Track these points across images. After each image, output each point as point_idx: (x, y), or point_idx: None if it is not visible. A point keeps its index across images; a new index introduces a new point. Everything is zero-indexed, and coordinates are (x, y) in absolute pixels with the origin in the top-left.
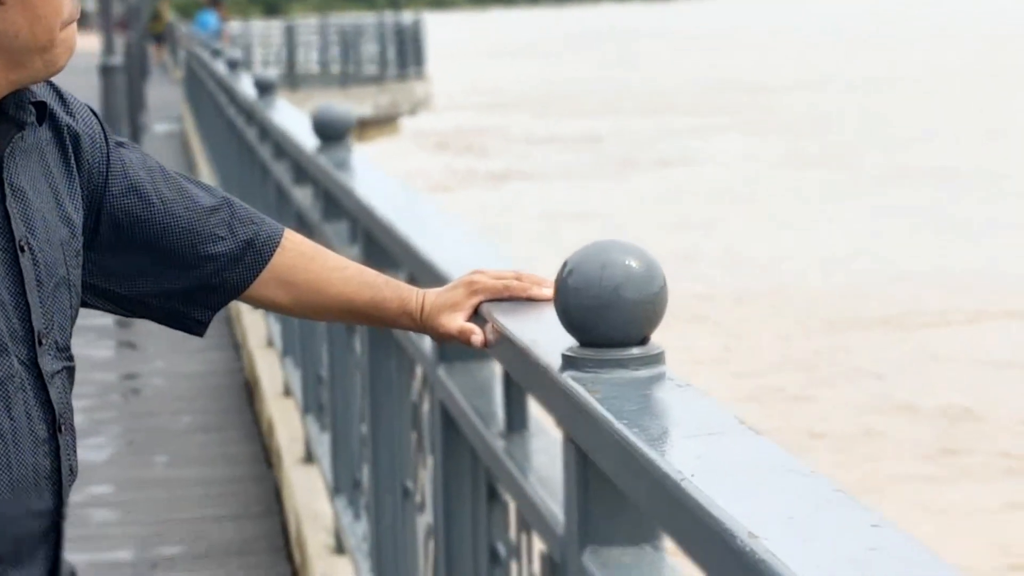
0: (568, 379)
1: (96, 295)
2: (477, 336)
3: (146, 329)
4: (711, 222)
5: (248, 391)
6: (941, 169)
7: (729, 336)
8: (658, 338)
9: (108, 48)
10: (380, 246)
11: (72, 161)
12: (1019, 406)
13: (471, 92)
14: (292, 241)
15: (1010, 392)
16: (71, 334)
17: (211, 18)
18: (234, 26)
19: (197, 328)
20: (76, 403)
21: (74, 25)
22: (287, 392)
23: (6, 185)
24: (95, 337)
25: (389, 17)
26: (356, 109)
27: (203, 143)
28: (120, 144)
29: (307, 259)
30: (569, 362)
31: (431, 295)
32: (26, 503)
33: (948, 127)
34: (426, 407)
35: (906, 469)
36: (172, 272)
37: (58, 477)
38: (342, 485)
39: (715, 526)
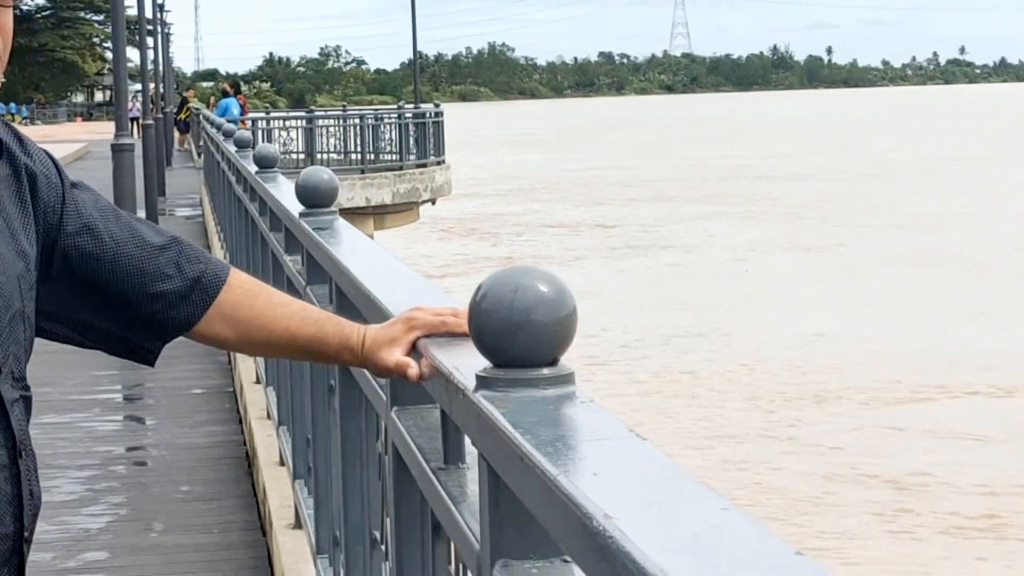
0: (480, 398)
1: (51, 322)
2: (413, 369)
3: (153, 404)
4: (699, 302)
5: (248, 462)
6: (926, 253)
7: (702, 407)
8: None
9: (120, 128)
10: (350, 302)
11: (28, 198)
12: (971, 473)
13: (490, 180)
14: (238, 279)
15: (964, 461)
16: (26, 365)
17: (232, 104)
18: (255, 114)
19: (148, 357)
20: (79, 474)
21: None
22: (282, 461)
23: None
24: (102, 411)
25: (410, 107)
26: (375, 196)
27: (217, 223)
28: (75, 185)
29: (252, 296)
30: (482, 382)
31: (371, 331)
32: None
33: (940, 211)
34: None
35: (849, 526)
36: (122, 307)
37: (19, 502)
38: (323, 545)
39: (578, 511)
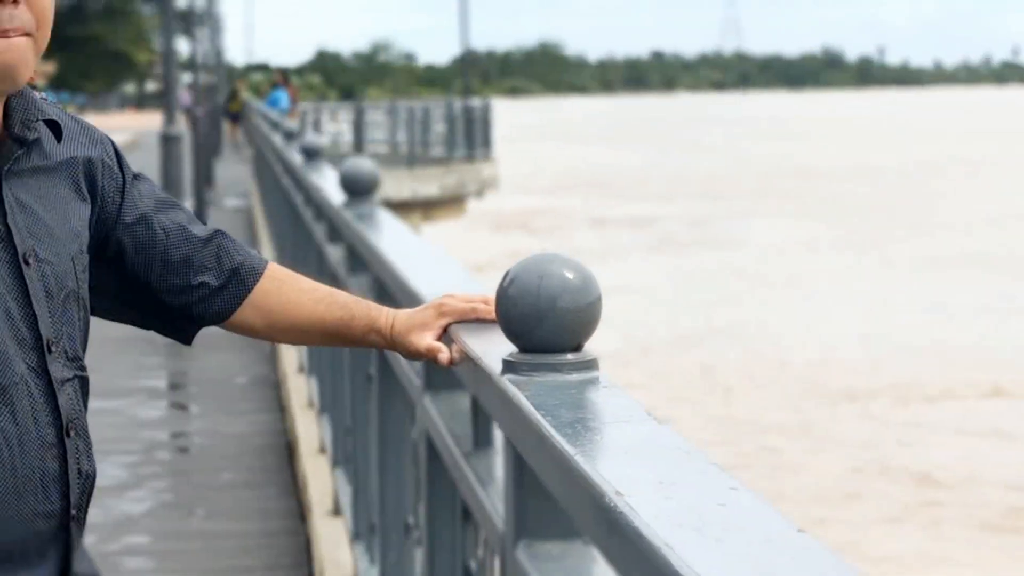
0: (505, 381)
1: (99, 299)
2: (444, 354)
3: (197, 392)
4: (741, 298)
5: (289, 450)
6: (973, 254)
7: (735, 402)
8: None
9: (169, 119)
10: (389, 292)
11: (84, 184)
12: (998, 472)
13: (538, 175)
14: (271, 271)
15: (991, 459)
16: (82, 345)
17: (282, 96)
18: (304, 105)
19: (185, 339)
20: (122, 459)
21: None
22: (322, 449)
23: (6, 202)
24: (146, 398)
25: (458, 101)
26: (423, 189)
27: (264, 215)
28: (136, 176)
29: (279, 283)
30: (508, 366)
31: (401, 315)
32: (32, 505)
33: (990, 214)
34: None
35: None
36: (166, 295)
37: (66, 480)
38: (360, 531)
39: (591, 489)
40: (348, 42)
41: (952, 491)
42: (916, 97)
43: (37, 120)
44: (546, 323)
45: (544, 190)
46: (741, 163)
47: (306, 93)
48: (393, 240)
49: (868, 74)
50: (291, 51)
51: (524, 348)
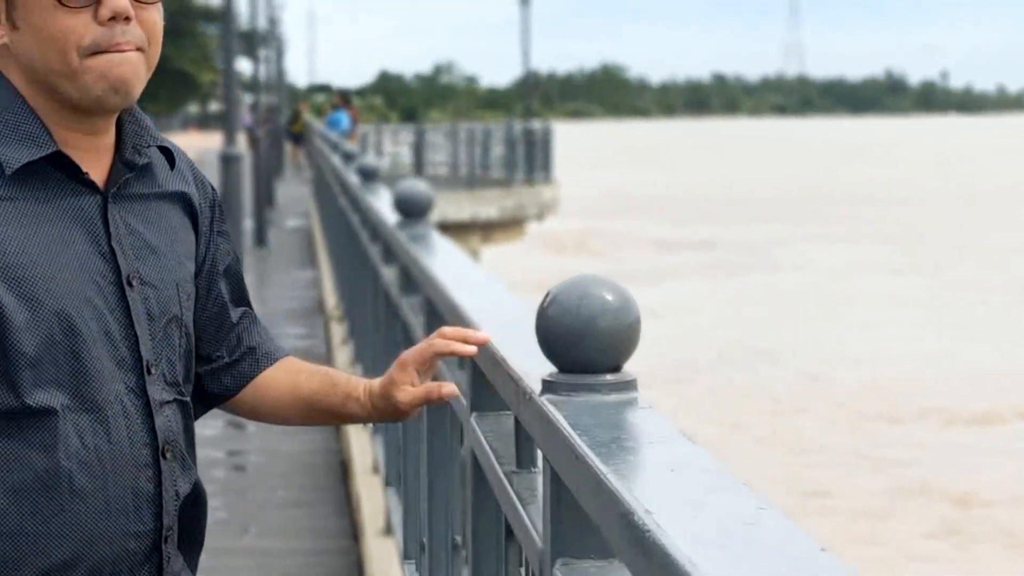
0: (544, 401)
1: None
2: (434, 392)
3: None
4: (792, 320)
5: (343, 470)
6: (1020, 280)
7: (775, 421)
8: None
9: (229, 139)
10: (438, 312)
11: (190, 221)
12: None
13: (597, 197)
14: (288, 361)
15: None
16: (184, 371)
17: (343, 117)
18: (365, 127)
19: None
20: None
21: (110, 56)
22: (376, 469)
23: (111, 223)
24: (204, 417)
25: (518, 124)
26: (483, 211)
27: (323, 236)
28: (220, 232)
29: (294, 374)
30: (547, 386)
31: (374, 382)
32: (123, 524)
33: None
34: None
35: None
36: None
37: (159, 501)
38: (411, 551)
39: (621, 506)
40: (410, 64)
41: (989, 510)
42: (979, 122)
43: (149, 146)
44: (585, 343)
45: (602, 212)
46: (800, 187)
47: (368, 115)
48: (444, 261)
49: (931, 99)
50: (354, 72)
51: (563, 368)
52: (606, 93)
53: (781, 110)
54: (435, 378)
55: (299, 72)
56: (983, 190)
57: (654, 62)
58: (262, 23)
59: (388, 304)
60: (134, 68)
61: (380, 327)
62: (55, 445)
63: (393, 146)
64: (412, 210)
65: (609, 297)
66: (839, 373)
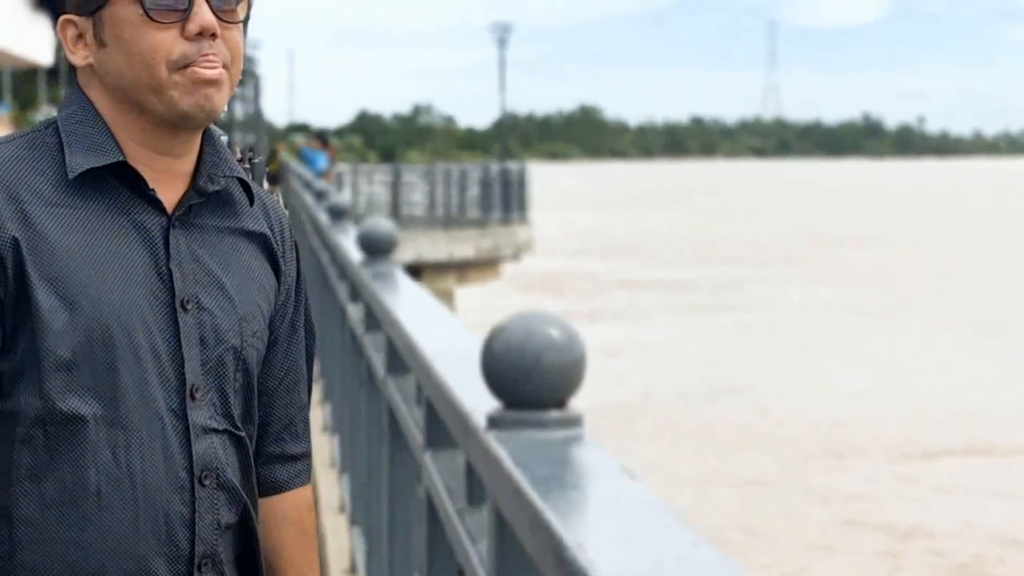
0: (489, 438)
1: None
2: None
3: None
4: (753, 358)
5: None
6: (983, 320)
7: (729, 457)
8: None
9: None
10: (398, 352)
11: (269, 264)
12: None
13: (572, 238)
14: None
15: (973, 514)
16: (241, 407)
17: (319, 157)
18: (342, 166)
19: None
20: None
21: (199, 70)
22: (342, 507)
23: (172, 245)
24: None
25: (495, 164)
26: (458, 251)
27: None
28: (300, 288)
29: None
30: (492, 422)
31: None
32: (151, 545)
33: (1009, 283)
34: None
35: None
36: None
37: (194, 527)
38: None
39: (555, 540)
40: (390, 104)
41: (930, 542)
42: (955, 165)
43: (224, 176)
44: (530, 379)
45: (578, 253)
46: (773, 229)
47: (346, 154)
48: (405, 299)
49: (908, 142)
50: (333, 112)
51: (509, 404)
52: (584, 135)
53: (759, 152)
54: (392, 415)
55: (278, 111)
56: (956, 234)
57: (632, 104)
58: None
59: (354, 342)
60: (219, 84)
61: (346, 365)
62: (85, 458)
63: (369, 186)
64: (376, 248)
65: (554, 333)
66: (789, 409)
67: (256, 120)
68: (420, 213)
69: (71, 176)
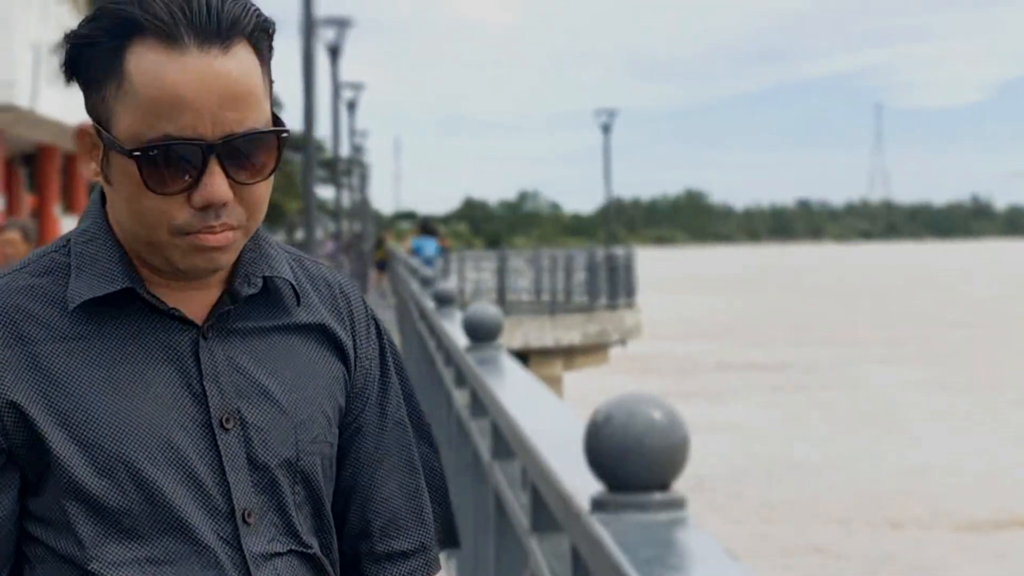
0: (593, 521)
1: None
2: None
3: None
4: (840, 436)
5: None
6: None
7: (815, 534)
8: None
9: None
10: (502, 436)
11: (334, 354)
12: None
13: (678, 322)
14: None
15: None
16: (309, 521)
17: (428, 244)
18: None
19: None
20: None
21: (202, 237)
22: None
23: (203, 360)
24: None
25: (601, 249)
26: (565, 337)
27: (405, 360)
28: (384, 368)
29: None
30: (596, 505)
31: None
32: None
33: None
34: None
35: None
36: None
37: None
38: None
39: None
40: (496, 191)
41: None
42: None
43: (260, 276)
44: (633, 462)
45: (683, 336)
46: (876, 310)
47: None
48: (510, 383)
49: (1017, 223)
50: (439, 199)
51: (612, 486)
52: (690, 219)
53: (867, 235)
54: (498, 499)
55: (384, 199)
56: None
57: (737, 187)
58: (345, 150)
59: (460, 427)
60: (225, 248)
61: (453, 451)
62: None
63: (476, 272)
64: (482, 333)
65: (656, 415)
66: (877, 486)
67: (363, 208)
68: (527, 299)
69: (71, 308)
